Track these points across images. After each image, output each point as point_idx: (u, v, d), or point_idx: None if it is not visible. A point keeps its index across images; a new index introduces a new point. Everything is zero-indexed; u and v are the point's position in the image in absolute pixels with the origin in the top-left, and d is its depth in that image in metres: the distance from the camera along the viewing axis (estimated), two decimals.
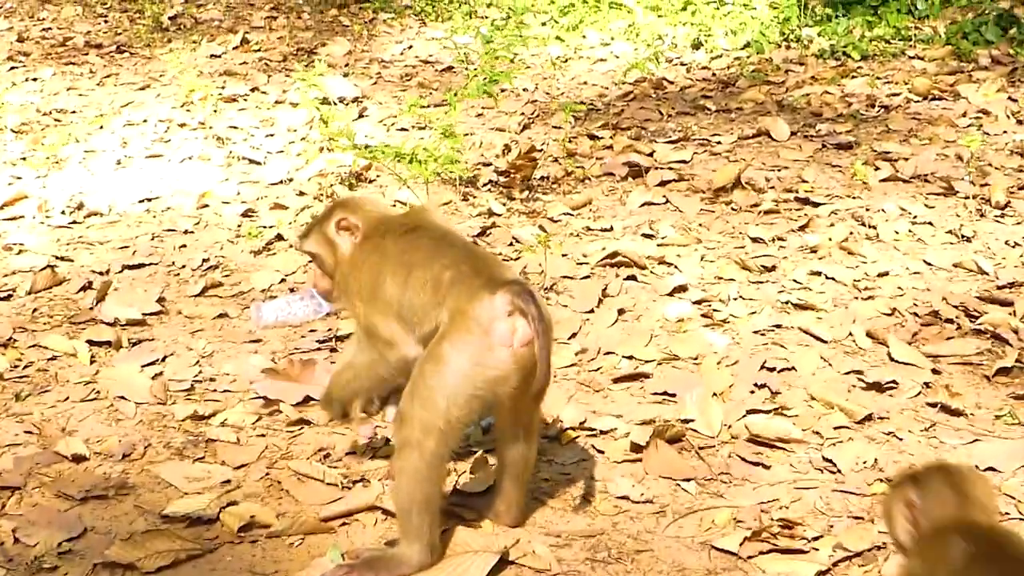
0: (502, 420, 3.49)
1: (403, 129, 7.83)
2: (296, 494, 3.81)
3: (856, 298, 5.11)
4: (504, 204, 6.34)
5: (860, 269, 5.40)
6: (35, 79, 9.65)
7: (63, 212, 6.33)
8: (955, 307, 4.95)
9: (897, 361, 4.54)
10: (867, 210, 6.11)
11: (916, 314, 4.91)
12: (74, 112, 8.59)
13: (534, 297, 3.23)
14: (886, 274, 5.33)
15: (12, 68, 10.06)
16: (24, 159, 7.28)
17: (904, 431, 4.07)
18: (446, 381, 3.24)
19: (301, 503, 3.76)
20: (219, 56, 10.34)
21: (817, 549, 3.46)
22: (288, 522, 3.63)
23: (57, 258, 5.71)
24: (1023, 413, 4.17)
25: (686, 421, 4.18)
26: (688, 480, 3.85)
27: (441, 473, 3.37)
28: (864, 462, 3.89)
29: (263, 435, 4.17)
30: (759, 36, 10.11)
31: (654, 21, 10.74)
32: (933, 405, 4.24)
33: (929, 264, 5.44)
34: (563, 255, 5.65)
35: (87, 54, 10.54)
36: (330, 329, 4.95)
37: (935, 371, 4.46)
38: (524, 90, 8.90)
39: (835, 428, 4.11)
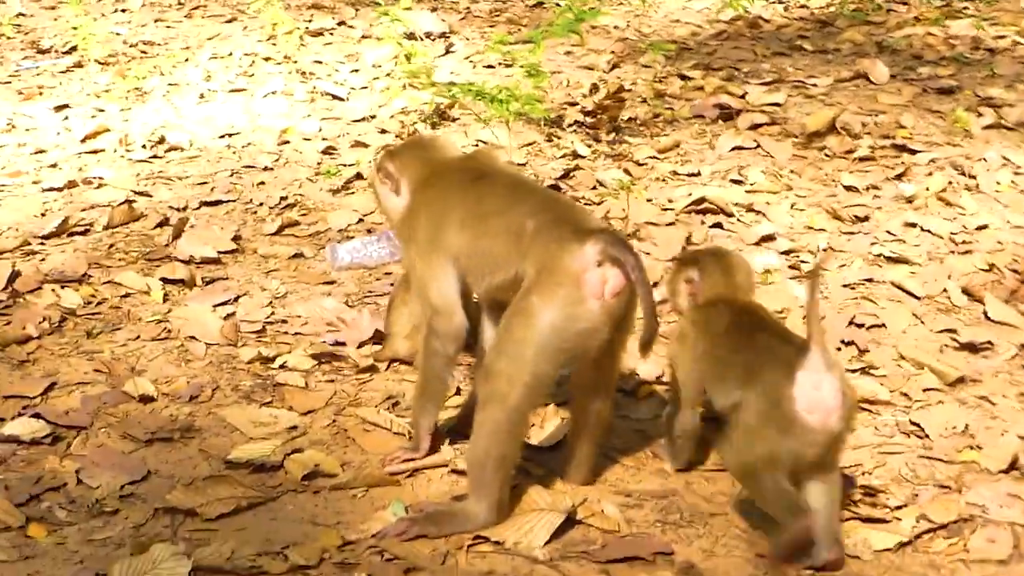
0: (582, 374, 3.36)
1: (489, 66, 7.66)
2: (363, 443, 3.72)
3: (952, 252, 4.90)
4: (589, 146, 6.18)
5: (958, 221, 5.18)
6: (124, 10, 9.61)
7: (144, 146, 6.28)
8: None
9: (993, 320, 4.34)
10: (968, 159, 5.87)
11: (1016, 271, 4.69)
12: (160, 44, 8.53)
13: (627, 245, 3.09)
14: (985, 227, 5.11)
15: None
16: (108, 91, 7.24)
17: (998, 395, 3.88)
18: (535, 334, 3.10)
19: (368, 453, 3.67)
20: None
21: (900, 519, 3.30)
22: (353, 473, 3.54)
23: (136, 193, 5.65)
24: None
25: None
26: None
27: (522, 430, 3.26)
28: (954, 427, 3.71)
29: (332, 380, 4.08)
30: None
31: None
32: None
33: None
34: (648, 200, 5.48)
35: None
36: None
37: None
38: (615, 27, 8.69)
39: (924, 390, 3.93)
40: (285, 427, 3.80)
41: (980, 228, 5.09)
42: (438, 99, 6.27)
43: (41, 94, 7.28)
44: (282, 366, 4.15)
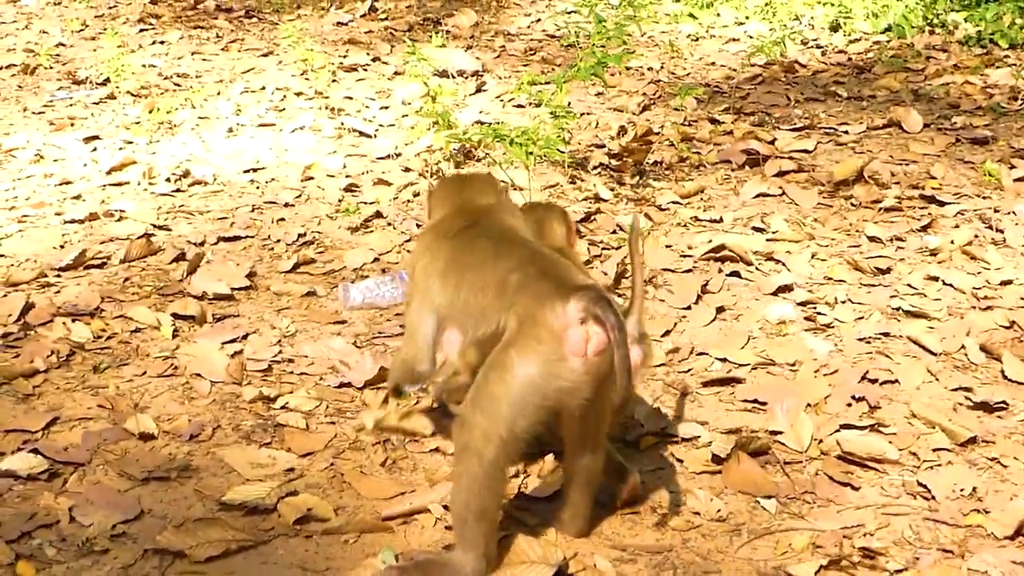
0: (568, 429, 3.30)
1: (519, 106, 7.64)
2: (359, 488, 3.68)
3: (974, 308, 4.81)
4: (612, 189, 6.14)
5: (982, 276, 5.08)
6: (162, 42, 9.69)
7: (168, 180, 6.29)
8: None
9: (1010, 379, 4.24)
10: (996, 212, 5.77)
11: None
12: (196, 77, 8.58)
13: (611, 304, 3.01)
14: (1009, 283, 5.02)
15: (142, 31, 10.11)
16: (138, 123, 7.27)
17: (1009, 457, 3.79)
18: (511, 390, 3.03)
19: (363, 497, 3.63)
20: (345, 24, 10.27)
21: None
22: (345, 518, 3.49)
23: (155, 227, 5.66)
24: None
25: (774, 433, 3.95)
26: (769, 498, 3.62)
27: (500, 483, 3.19)
28: (961, 490, 3.62)
29: (332, 423, 4.05)
30: (901, 19, 9.71)
31: (793, 0, 10.38)
32: None
33: None
34: (667, 246, 5.43)
35: (216, 18, 10.55)
36: None
37: None
38: (648, 69, 8.66)
39: (934, 450, 3.84)
40: (282, 469, 3.77)
41: (1004, 283, 5.00)
42: (454, 141, 6.23)
43: (72, 125, 7.33)
44: (284, 407, 4.12)
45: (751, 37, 9.63)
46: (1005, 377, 4.26)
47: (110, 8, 11.08)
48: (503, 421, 3.04)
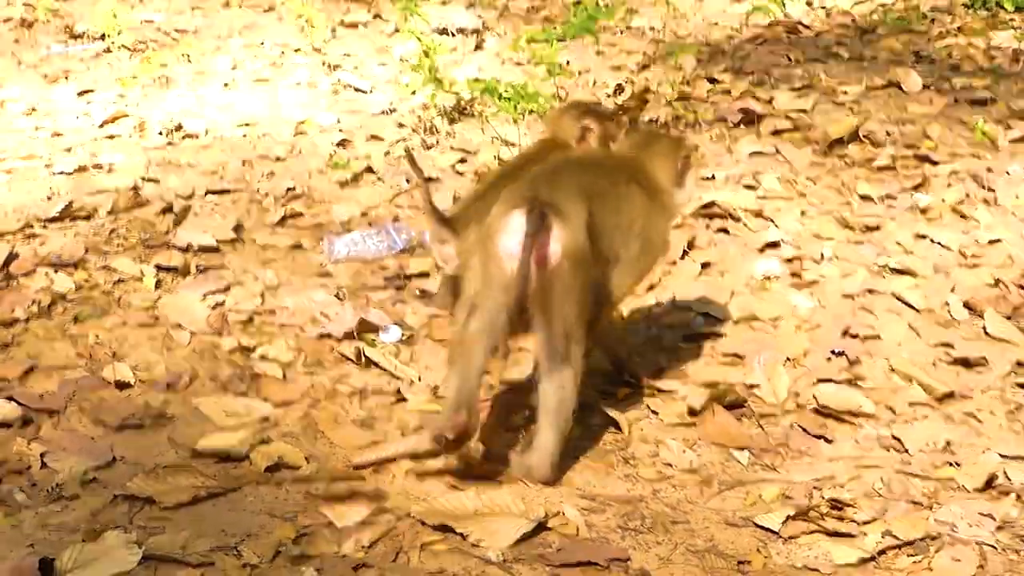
0: (535, 347, 3.43)
1: (519, 63, 7.59)
2: (332, 436, 3.68)
3: (960, 265, 4.79)
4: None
5: (970, 235, 5.05)
6: None
7: (160, 133, 6.28)
8: None
9: (992, 336, 4.22)
10: (990, 172, 5.73)
11: (1022, 286, 4.55)
12: (194, 32, 8.54)
13: (537, 214, 3.22)
14: (997, 241, 4.98)
15: None
16: (134, 77, 7.24)
17: (985, 412, 3.78)
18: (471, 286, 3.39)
19: (336, 446, 3.63)
20: None
21: (866, 534, 3.21)
22: (316, 466, 3.49)
23: (144, 179, 5.65)
24: None
25: (752, 386, 3.94)
26: (742, 449, 3.61)
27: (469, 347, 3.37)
28: (935, 443, 3.61)
29: (311, 373, 4.04)
30: None
31: None
32: (1022, 386, 3.90)
33: None
34: None
35: None
36: (401, 267, 4.80)
37: None
38: (651, 28, 8.60)
39: (911, 404, 3.83)
40: (257, 418, 3.77)
41: (992, 242, 4.97)
42: (444, 97, 6.20)
43: (67, 79, 7.31)
44: (262, 357, 4.12)
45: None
46: (987, 333, 4.24)
47: None
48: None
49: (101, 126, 6.44)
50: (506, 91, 5.52)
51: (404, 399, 3.88)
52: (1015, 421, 3.74)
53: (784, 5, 7.47)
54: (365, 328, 4.26)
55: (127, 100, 6.83)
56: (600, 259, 3.44)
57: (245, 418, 3.77)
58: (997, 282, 4.60)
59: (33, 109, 6.73)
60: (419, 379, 4.00)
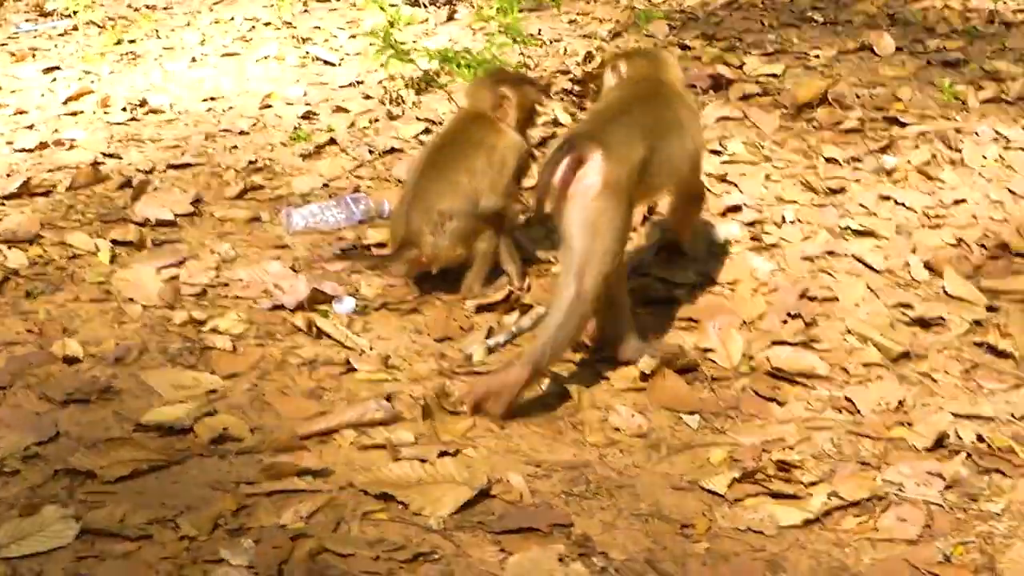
0: None
1: (489, 34, 7.51)
2: (279, 408, 3.64)
3: (923, 226, 4.74)
4: (573, 114, 6.04)
5: (936, 196, 5.00)
6: None
7: (124, 109, 6.23)
8: None
9: (951, 296, 4.17)
10: (959, 133, 5.66)
11: (984, 246, 4.53)
12: (165, 8, 8.49)
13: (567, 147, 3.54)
14: (962, 202, 4.93)
15: None
16: (102, 54, 7.20)
17: (940, 372, 3.73)
18: None
19: (283, 417, 3.59)
20: None
21: (812, 495, 3.17)
22: (260, 437, 3.45)
23: (105, 155, 5.61)
24: None
25: (706, 350, 3.89)
26: (692, 413, 3.58)
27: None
28: (887, 404, 3.57)
29: (261, 345, 4.00)
30: None
31: None
32: (980, 345, 3.88)
33: (1013, 193, 5.02)
34: None
35: None
36: (359, 238, 4.76)
37: (991, 308, 4.09)
38: None
39: (865, 365, 3.78)
40: (204, 390, 3.73)
41: (957, 203, 4.92)
42: (411, 69, 6.14)
43: (33, 56, 7.27)
44: (213, 329, 4.08)
45: None
46: (946, 293, 4.19)
47: None
48: None
49: (65, 103, 6.40)
50: (464, 60, 5.44)
51: (354, 369, 3.83)
52: (970, 380, 3.70)
53: None
54: (318, 299, 4.23)
55: (93, 77, 6.79)
56: (666, 183, 3.97)
57: (192, 391, 3.73)
58: (959, 242, 4.56)
59: None
60: (370, 349, 3.96)
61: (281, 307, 4.22)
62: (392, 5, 7.95)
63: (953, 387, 3.67)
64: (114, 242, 4.70)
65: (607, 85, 4.17)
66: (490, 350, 3.94)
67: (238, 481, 3.26)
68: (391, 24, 6.43)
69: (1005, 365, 3.77)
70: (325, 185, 5.25)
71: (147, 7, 8.47)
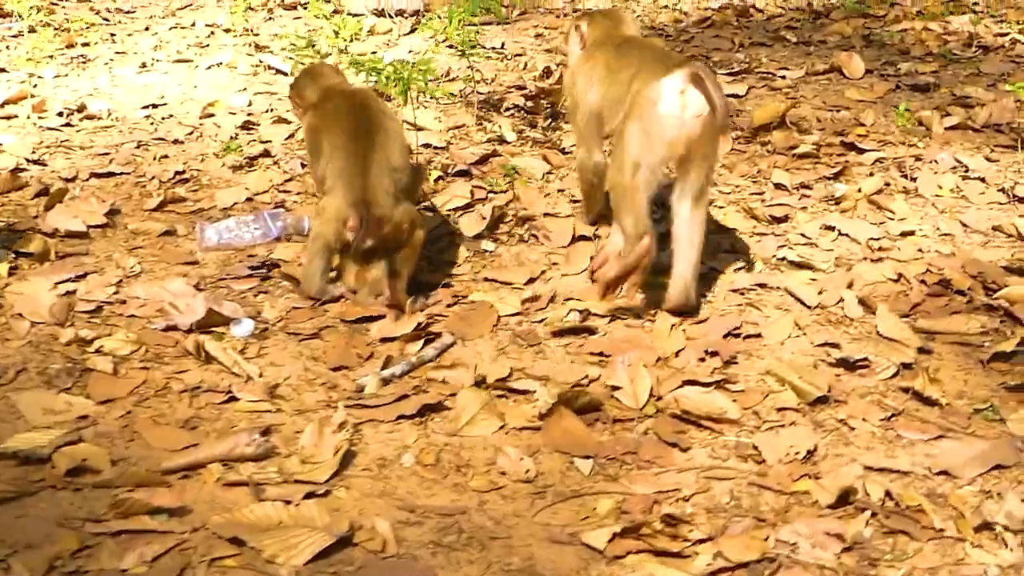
0: (680, 179, 4.04)
1: (451, 46, 7.30)
2: (149, 438, 3.41)
3: (865, 259, 4.50)
4: (521, 131, 5.83)
5: (883, 227, 4.77)
6: None
7: (60, 114, 6.04)
8: (973, 277, 4.29)
9: (882, 336, 3.92)
10: (918, 160, 5.43)
11: (924, 282, 4.28)
12: (128, 12, 8.29)
13: (706, 75, 3.83)
14: (910, 234, 4.70)
15: None
16: (51, 57, 6.99)
17: (858, 419, 3.48)
18: (627, 143, 3.96)
19: (151, 448, 3.37)
20: None
21: (697, 554, 2.92)
22: (119, 471, 3.23)
23: (30, 161, 5.41)
24: (1009, 409, 3.51)
25: (614, 388, 3.65)
26: (587, 458, 3.33)
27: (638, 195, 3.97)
28: (796, 453, 3.32)
29: (146, 368, 3.78)
30: None
31: None
32: (906, 390, 3.63)
33: (965, 226, 4.78)
34: (559, 190, 5.12)
35: None
36: (270, 253, 4.55)
37: (923, 350, 3.84)
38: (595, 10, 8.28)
39: (779, 410, 3.54)
40: (75, 416, 3.52)
41: (904, 235, 4.68)
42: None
43: None
44: (98, 350, 3.86)
45: None
46: (877, 333, 3.94)
47: None
48: (627, 171, 3.96)
49: (2, 106, 6.18)
50: (392, 73, 5.22)
51: (236, 398, 3.61)
52: (888, 429, 3.45)
53: None
54: (215, 321, 4.00)
55: (37, 80, 6.59)
56: None
57: (63, 416, 3.52)
58: (899, 277, 4.31)
59: None
60: (259, 376, 3.73)
61: (175, 328, 4.00)
62: (357, 15, 7.77)
63: (870, 436, 3.42)
64: (17, 253, 4.49)
65: (572, 45, 4.59)
66: (385, 382, 3.70)
67: (86, 518, 3.03)
68: (336, 33, 6.19)
69: (930, 413, 3.52)
70: (249, 199, 5.04)
71: (111, 10, 8.26)
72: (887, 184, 5.14)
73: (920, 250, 4.57)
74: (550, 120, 5.96)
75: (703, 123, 3.84)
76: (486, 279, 4.39)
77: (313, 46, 5.96)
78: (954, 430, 3.44)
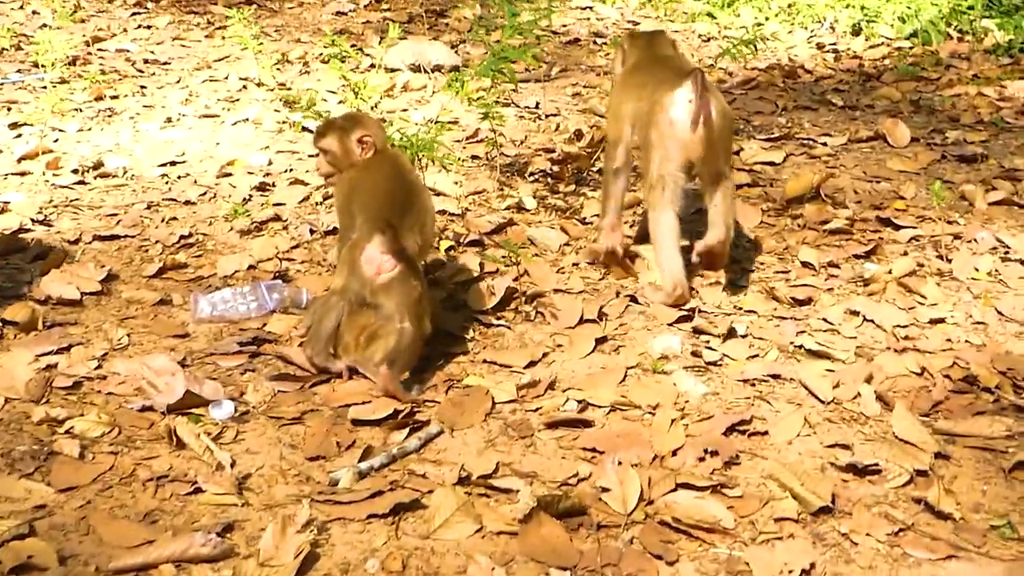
0: (701, 180, 4.59)
1: (486, 104, 7.11)
2: (104, 532, 3.23)
3: (888, 349, 4.23)
4: (544, 198, 5.62)
5: (912, 312, 4.50)
6: (148, 26, 9.36)
7: (75, 171, 5.91)
8: (1002, 373, 4.01)
9: (898, 438, 3.66)
10: (956, 238, 5.15)
11: (949, 377, 4.00)
12: (163, 64, 8.21)
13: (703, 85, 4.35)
14: (940, 321, 4.43)
15: (134, 14, 9.79)
16: (79, 110, 6.91)
17: (862, 533, 3.22)
18: (651, 153, 4.50)
19: (104, 544, 3.18)
20: (345, 13, 9.87)
21: None
22: (64, 572, 3.04)
23: (35, 222, 5.28)
24: None
25: (603, 490, 3.41)
26: (564, 569, 3.10)
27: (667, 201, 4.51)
28: (791, 571, 3.06)
29: (114, 452, 3.60)
30: (928, 25, 9.02)
31: (824, 1, 9.75)
32: (918, 501, 3.36)
33: (1000, 314, 4.50)
34: (574, 264, 4.91)
35: (216, 3, 10.18)
36: (263, 326, 4.37)
37: (940, 455, 3.57)
38: None
39: (777, 520, 3.29)
40: (33, 505, 3.34)
41: (933, 322, 4.41)
42: None
43: (8, 110, 6.97)
44: (68, 431, 3.69)
45: (766, 40, 9.00)
46: (893, 434, 3.67)
47: None
48: (654, 171, 4.51)
49: (19, 161, 6.08)
50: (404, 140, 5.04)
51: (201, 490, 3.41)
52: (894, 546, 3.19)
53: (755, 50, 6.91)
54: (193, 402, 3.82)
55: (57, 134, 6.49)
56: None
57: (20, 504, 3.35)
58: (923, 371, 4.04)
59: None
60: (231, 465, 3.53)
61: (151, 408, 3.81)
62: (395, 70, 7.64)
63: (873, 553, 3.16)
64: (3, 321, 4.33)
65: (617, 63, 5.01)
66: (361, 475, 3.49)
67: None
68: (355, 92, 6.04)
69: (942, 528, 3.25)
70: (251, 267, 4.87)
71: (147, 62, 8.17)
72: (920, 265, 4.87)
73: (948, 340, 4.29)
74: (574, 187, 5.74)
75: (712, 126, 4.36)
76: (485, 360, 4.17)
77: (314, 107, 5.77)
78: (966, 549, 3.17)
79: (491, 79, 6.18)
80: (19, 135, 6.50)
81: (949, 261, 4.89)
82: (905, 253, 5.01)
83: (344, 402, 3.90)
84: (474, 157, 6.13)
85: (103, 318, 4.46)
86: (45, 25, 9.25)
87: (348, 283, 3.93)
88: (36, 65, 7.98)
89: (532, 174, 5.91)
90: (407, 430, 3.75)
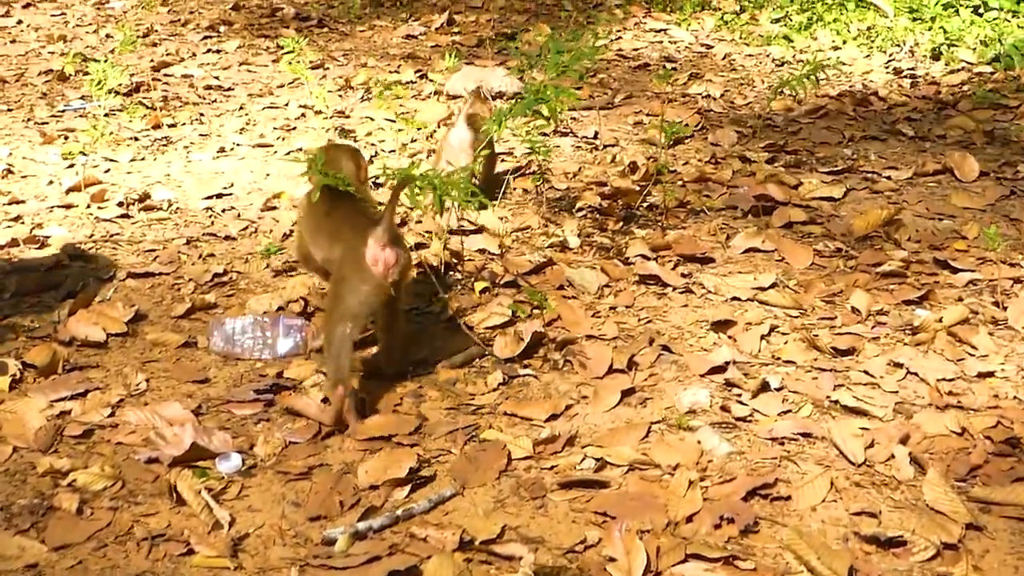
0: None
1: (544, 134, 7.00)
2: None
3: (930, 405, 4.01)
4: (590, 235, 5.47)
5: (960, 364, 4.27)
6: (218, 51, 9.37)
7: (120, 204, 5.89)
8: None
9: (929, 507, 3.45)
10: (1016, 283, 4.91)
11: (991, 438, 3.78)
12: (227, 89, 8.20)
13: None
14: (988, 375, 4.20)
15: (205, 38, 9.81)
16: (135, 139, 6.90)
17: None
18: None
19: None
20: (415, 37, 9.80)
21: None
22: None
23: (72, 257, 5.23)
24: None
25: (609, 559, 3.26)
26: None
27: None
28: None
29: (114, 508, 3.52)
30: (1011, 49, 8.70)
31: (904, 24, 9.48)
32: None
33: None
34: (611, 308, 4.75)
35: (288, 27, 10.18)
36: (283, 370, 4.28)
37: (973, 526, 3.36)
38: (706, 96, 7.92)
39: None
40: (24, 564, 3.28)
41: (981, 375, 4.19)
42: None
43: (65, 139, 6.99)
44: (70, 484, 3.62)
45: (845, 64, 8.78)
46: (925, 502, 3.47)
47: (190, 14, 10.83)
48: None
49: (68, 193, 6.08)
50: (424, 181, 4.90)
51: (194, 551, 3.31)
52: None
53: (816, 81, 6.67)
54: (200, 455, 3.73)
55: (109, 165, 6.47)
56: None
57: (11, 563, 3.29)
58: (963, 431, 3.83)
59: (9, 171, 6.42)
60: (229, 524, 3.43)
61: (157, 461, 3.73)
62: (456, 96, 7.54)
63: None
64: (24, 364, 4.29)
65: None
66: (360, 536, 3.37)
67: None
68: (406, 121, 5.94)
69: None
70: (281, 308, 4.78)
71: (209, 88, 8.17)
72: (974, 312, 4.63)
73: (995, 395, 4.07)
74: (622, 224, 5.58)
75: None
76: (506, 413, 4.03)
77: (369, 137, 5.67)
78: None
79: (528, 116, 6.01)
80: (71, 165, 6.51)
81: (1005, 309, 4.65)
82: (960, 299, 4.78)
83: (355, 457, 3.78)
84: (525, 191, 5.99)
85: (125, 361, 4.40)
86: (113, 50, 9.29)
87: (350, 303, 4.00)
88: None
89: (580, 209, 5.76)
90: (416, 487, 3.62)
